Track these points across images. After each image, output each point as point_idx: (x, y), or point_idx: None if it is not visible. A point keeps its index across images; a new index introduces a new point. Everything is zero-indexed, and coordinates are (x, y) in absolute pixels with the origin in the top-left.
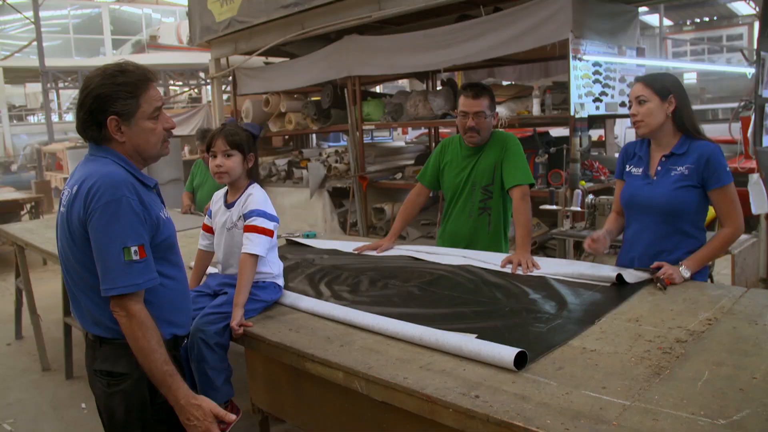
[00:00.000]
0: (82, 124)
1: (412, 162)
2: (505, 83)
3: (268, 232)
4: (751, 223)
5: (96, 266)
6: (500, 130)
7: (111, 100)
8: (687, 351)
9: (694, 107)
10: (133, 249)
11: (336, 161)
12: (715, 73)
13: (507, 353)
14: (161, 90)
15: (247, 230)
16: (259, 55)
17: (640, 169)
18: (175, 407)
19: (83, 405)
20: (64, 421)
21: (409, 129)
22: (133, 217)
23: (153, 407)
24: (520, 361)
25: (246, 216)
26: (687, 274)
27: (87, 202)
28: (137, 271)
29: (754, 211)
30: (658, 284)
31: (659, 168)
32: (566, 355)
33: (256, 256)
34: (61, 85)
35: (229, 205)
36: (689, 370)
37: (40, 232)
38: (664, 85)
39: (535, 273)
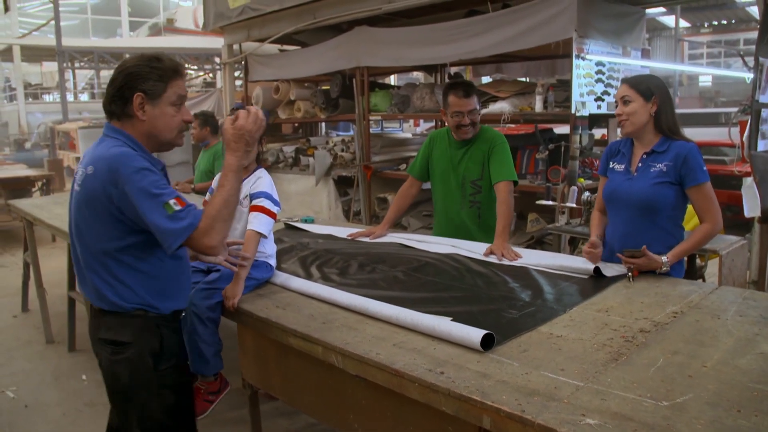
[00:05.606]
0: (109, 99)
1: (416, 153)
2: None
3: (273, 215)
4: (748, 225)
5: (113, 241)
6: (487, 126)
7: (141, 79)
8: (648, 340)
9: (708, 110)
10: (171, 201)
11: (342, 150)
12: (731, 76)
13: (475, 334)
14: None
15: (255, 209)
16: (271, 42)
17: (623, 166)
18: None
19: (84, 376)
20: (65, 391)
21: (421, 121)
22: (158, 177)
23: (156, 373)
24: (488, 343)
25: (253, 196)
26: (665, 259)
27: (114, 178)
28: (184, 216)
29: (747, 213)
30: (629, 274)
31: (640, 164)
32: (533, 340)
33: (260, 235)
34: (77, 65)
35: None
36: (645, 357)
37: (49, 209)
38: (648, 87)
39: (519, 263)
